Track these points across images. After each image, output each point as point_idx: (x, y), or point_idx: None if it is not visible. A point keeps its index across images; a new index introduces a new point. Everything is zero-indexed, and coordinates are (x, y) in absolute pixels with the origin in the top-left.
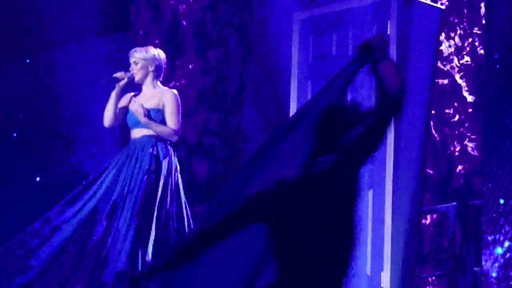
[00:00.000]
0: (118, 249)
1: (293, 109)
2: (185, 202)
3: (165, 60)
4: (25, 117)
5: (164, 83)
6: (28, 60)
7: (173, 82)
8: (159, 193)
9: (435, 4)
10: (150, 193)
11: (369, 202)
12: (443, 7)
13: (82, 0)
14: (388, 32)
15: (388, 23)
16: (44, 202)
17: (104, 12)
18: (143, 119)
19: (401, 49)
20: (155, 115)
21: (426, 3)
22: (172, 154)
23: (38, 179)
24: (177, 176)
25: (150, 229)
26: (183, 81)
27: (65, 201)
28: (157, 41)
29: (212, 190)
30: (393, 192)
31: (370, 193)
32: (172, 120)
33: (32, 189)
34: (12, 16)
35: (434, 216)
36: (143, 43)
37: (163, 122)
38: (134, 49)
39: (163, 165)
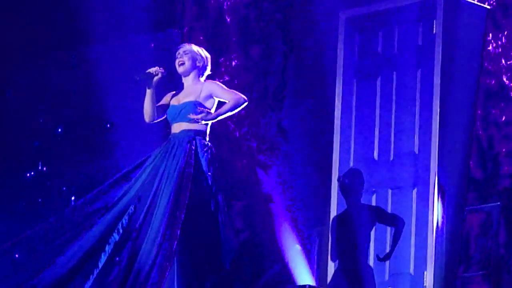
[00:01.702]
0: (149, 245)
1: (338, 107)
2: (222, 197)
3: (210, 65)
4: (70, 112)
5: (208, 79)
6: (73, 55)
7: (217, 79)
8: (195, 188)
9: (481, 4)
10: (184, 189)
11: (413, 201)
12: (489, 7)
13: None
14: (434, 31)
15: (434, 22)
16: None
17: (150, 8)
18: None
19: (447, 49)
20: (193, 108)
21: (472, 3)
22: (211, 148)
23: (82, 174)
24: (216, 171)
25: (179, 226)
26: (227, 78)
27: (99, 190)
28: (201, 38)
29: (251, 186)
30: (437, 191)
31: (414, 191)
32: (228, 94)
33: (76, 183)
34: (58, 13)
35: (479, 216)
36: (188, 40)
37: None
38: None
39: (201, 160)
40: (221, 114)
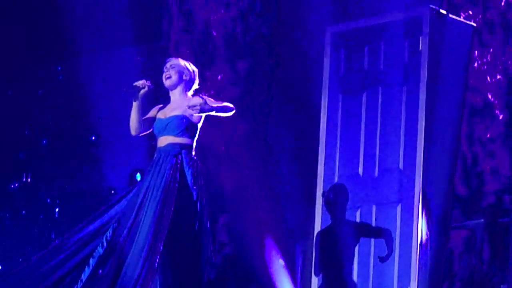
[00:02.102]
0: (134, 259)
1: (323, 122)
2: (207, 212)
3: (198, 79)
4: (56, 124)
5: (193, 93)
6: (59, 68)
7: (202, 92)
8: (180, 203)
9: (467, 22)
10: (169, 203)
11: (398, 217)
12: (475, 24)
13: (114, 9)
14: (420, 48)
15: (420, 39)
16: (74, 209)
17: (136, 21)
18: (207, 108)
19: (432, 65)
20: (179, 122)
21: (458, 20)
22: (197, 162)
23: (67, 186)
24: (201, 185)
25: (162, 240)
26: (212, 92)
27: (92, 217)
28: (188, 51)
29: (238, 200)
30: (421, 208)
31: (399, 207)
32: (216, 103)
33: (60, 195)
34: (44, 25)
35: (464, 232)
36: (175, 53)
37: (189, 129)
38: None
39: (187, 174)
40: (215, 109)
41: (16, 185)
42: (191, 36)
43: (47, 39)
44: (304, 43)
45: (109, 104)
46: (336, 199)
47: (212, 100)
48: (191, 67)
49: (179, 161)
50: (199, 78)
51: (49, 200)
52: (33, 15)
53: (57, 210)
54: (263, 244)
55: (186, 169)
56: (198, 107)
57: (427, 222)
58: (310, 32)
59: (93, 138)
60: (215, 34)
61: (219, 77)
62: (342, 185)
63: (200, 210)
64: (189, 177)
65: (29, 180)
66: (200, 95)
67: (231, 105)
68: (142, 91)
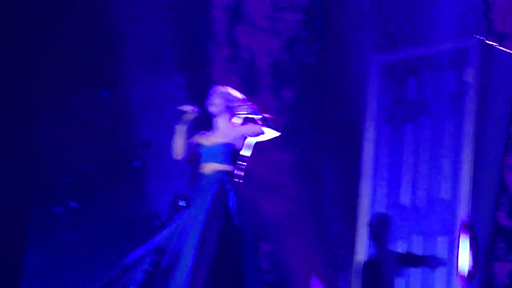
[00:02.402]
0: (176, 286)
1: (368, 151)
2: (250, 239)
3: (244, 105)
4: (101, 148)
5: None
6: (105, 93)
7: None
8: (223, 230)
9: None
10: (212, 231)
11: (443, 247)
12: None
13: (162, 36)
14: (467, 79)
15: (467, 70)
16: (118, 235)
17: (183, 48)
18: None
19: (479, 96)
20: (224, 150)
21: (505, 51)
22: (240, 190)
23: (110, 211)
24: (245, 213)
25: (207, 267)
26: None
27: (134, 244)
28: (234, 79)
29: (281, 229)
30: (466, 239)
31: (444, 238)
32: (264, 131)
33: (105, 221)
34: (92, 49)
35: (508, 265)
36: (221, 80)
37: (234, 157)
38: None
39: (230, 202)
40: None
41: (60, 209)
42: (237, 64)
43: (93, 64)
44: (350, 72)
45: (154, 130)
46: (381, 230)
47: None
48: (236, 93)
49: (223, 188)
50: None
51: (92, 225)
52: (77, 40)
53: (100, 235)
54: (305, 274)
55: (230, 196)
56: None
57: (472, 253)
58: (356, 62)
59: (137, 163)
60: (261, 62)
61: (264, 105)
62: (385, 216)
63: (244, 238)
64: (233, 205)
65: (72, 204)
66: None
67: (276, 130)
68: (188, 116)
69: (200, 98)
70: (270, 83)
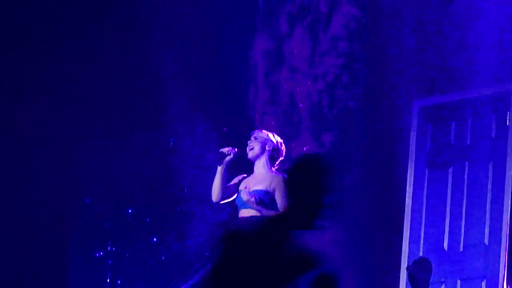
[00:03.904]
0: None
1: (409, 196)
2: None
3: (284, 151)
4: (141, 194)
5: (279, 165)
6: (146, 139)
7: (288, 164)
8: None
9: None
10: None
11: None
12: None
13: (203, 81)
14: (508, 124)
15: (508, 114)
16: (158, 279)
17: (223, 91)
18: (254, 207)
19: None
20: (263, 198)
21: None
22: None
23: (150, 256)
24: None
25: None
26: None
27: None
28: (273, 122)
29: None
30: (506, 284)
31: (484, 283)
32: (282, 203)
33: (144, 265)
34: (131, 95)
35: None
36: (260, 124)
37: (270, 204)
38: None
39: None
40: (261, 213)
41: (101, 253)
42: (277, 108)
43: (133, 109)
44: (391, 116)
45: (193, 174)
46: (420, 273)
47: (285, 190)
48: (276, 138)
49: None
50: (285, 149)
51: (132, 269)
52: (121, 86)
53: (139, 280)
54: None
55: None
56: (250, 203)
57: None
58: (398, 106)
59: (178, 208)
60: (301, 106)
61: (304, 148)
62: (426, 259)
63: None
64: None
65: (113, 249)
66: (284, 175)
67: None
68: (227, 158)
69: (241, 142)
70: (310, 127)
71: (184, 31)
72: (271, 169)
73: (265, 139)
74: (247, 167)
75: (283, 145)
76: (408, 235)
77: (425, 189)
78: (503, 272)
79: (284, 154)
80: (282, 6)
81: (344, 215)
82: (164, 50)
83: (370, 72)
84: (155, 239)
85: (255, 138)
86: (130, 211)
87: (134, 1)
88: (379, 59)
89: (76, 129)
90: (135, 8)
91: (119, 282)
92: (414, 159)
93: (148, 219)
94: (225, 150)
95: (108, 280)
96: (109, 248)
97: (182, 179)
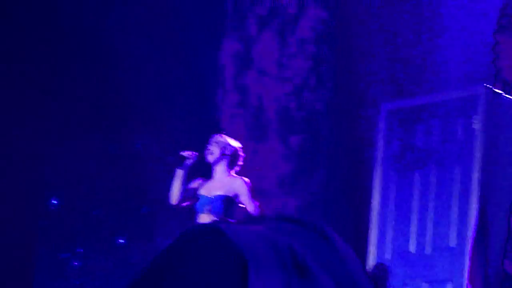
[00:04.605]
0: None
1: (376, 200)
2: None
3: (241, 155)
4: (108, 195)
5: (246, 166)
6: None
7: (255, 166)
8: None
9: None
10: None
11: None
12: None
13: (169, 83)
14: (475, 127)
15: (475, 118)
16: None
17: (191, 93)
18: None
19: (487, 144)
20: (222, 203)
21: None
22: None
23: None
24: None
25: None
26: (265, 166)
27: None
28: (242, 125)
29: None
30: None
31: (450, 286)
32: (252, 208)
33: (117, 267)
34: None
35: None
36: (229, 126)
37: (230, 209)
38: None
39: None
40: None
41: (68, 255)
42: (245, 110)
43: (101, 109)
44: (359, 119)
45: (160, 176)
46: (384, 277)
47: (250, 194)
48: (235, 144)
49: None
50: (252, 152)
51: (99, 271)
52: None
53: (108, 282)
54: None
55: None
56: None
57: None
58: (365, 109)
59: (144, 210)
60: (268, 109)
61: (271, 151)
62: (391, 263)
63: None
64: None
65: (81, 250)
66: (243, 178)
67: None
68: (188, 161)
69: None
70: (278, 130)
71: (151, 33)
72: (230, 173)
73: (225, 143)
74: (207, 173)
75: (241, 151)
76: (375, 238)
77: (392, 192)
78: (468, 275)
79: (242, 160)
80: (251, 8)
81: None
82: (132, 51)
83: (338, 75)
84: (122, 241)
85: (215, 142)
86: (97, 212)
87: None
88: (347, 62)
89: (44, 129)
90: (100, 11)
91: (85, 283)
92: (381, 162)
93: (115, 221)
94: (186, 153)
95: (76, 282)
96: (76, 250)
97: (149, 180)
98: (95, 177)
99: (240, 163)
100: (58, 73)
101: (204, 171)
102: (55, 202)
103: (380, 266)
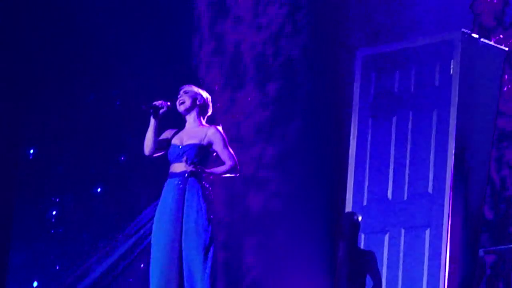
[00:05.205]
0: None
1: (353, 146)
2: (214, 246)
3: (211, 104)
4: (83, 143)
5: (223, 115)
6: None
7: (232, 114)
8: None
9: (499, 46)
10: (177, 232)
11: (426, 241)
12: (507, 49)
13: (145, 31)
14: (451, 72)
15: (451, 63)
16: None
17: (167, 41)
18: (201, 173)
19: (463, 89)
20: (196, 151)
21: (490, 44)
22: (208, 189)
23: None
24: (212, 213)
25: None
26: (242, 114)
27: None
28: (218, 73)
29: (266, 223)
30: (449, 232)
31: (428, 232)
32: (226, 155)
33: (94, 215)
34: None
35: (491, 257)
36: (205, 74)
37: (204, 158)
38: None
39: (196, 202)
40: (213, 174)
41: (46, 204)
42: (222, 58)
43: (77, 66)
44: (335, 66)
45: (133, 126)
46: (360, 223)
47: (225, 142)
48: (205, 94)
49: (191, 189)
50: (229, 100)
51: (76, 219)
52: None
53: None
54: (291, 266)
55: (195, 196)
56: (190, 170)
57: (456, 247)
58: (341, 55)
59: (122, 158)
60: (245, 56)
61: (249, 99)
62: (367, 209)
63: (210, 241)
64: (202, 204)
65: (57, 200)
66: (216, 126)
67: (235, 169)
68: (161, 111)
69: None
70: (255, 77)
71: None
72: (201, 122)
73: (195, 93)
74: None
75: (210, 102)
76: (352, 185)
77: (368, 138)
78: (446, 221)
79: (211, 110)
80: None
81: (288, 166)
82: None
83: (314, 21)
84: (99, 189)
85: (185, 92)
86: (73, 161)
87: None
88: (323, 8)
89: (22, 78)
90: None
91: (63, 232)
92: (357, 108)
93: (92, 170)
94: (158, 103)
95: (52, 231)
96: (53, 199)
97: (126, 130)
98: (73, 127)
99: (209, 113)
100: (41, 25)
101: (176, 122)
102: (32, 150)
103: (358, 212)
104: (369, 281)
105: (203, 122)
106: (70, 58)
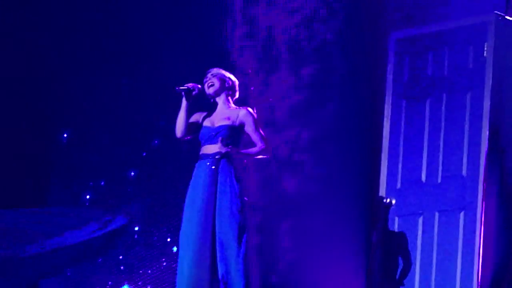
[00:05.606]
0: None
1: (386, 129)
2: (246, 226)
3: (238, 88)
4: (119, 129)
5: (258, 98)
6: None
7: (266, 97)
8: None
9: None
10: (209, 213)
11: (460, 224)
12: None
13: (177, 18)
14: (485, 54)
15: (485, 45)
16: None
17: (200, 26)
18: (233, 153)
19: (497, 71)
20: (229, 133)
21: None
22: (234, 170)
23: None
24: (235, 192)
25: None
26: (276, 97)
27: None
28: (252, 56)
29: (300, 206)
30: (484, 215)
31: (462, 214)
32: (257, 137)
33: (130, 199)
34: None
35: None
36: (238, 58)
37: (236, 139)
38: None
39: (234, 182)
40: (243, 155)
41: (81, 187)
42: (255, 42)
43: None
44: (369, 49)
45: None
46: (395, 206)
47: (256, 124)
48: (233, 77)
49: (223, 170)
50: (263, 84)
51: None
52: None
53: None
54: (325, 249)
55: (228, 178)
56: (224, 149)
57: (490, 230)
58: (375, 38)
59: (156, 142)
60: (278, 40)
61: (283, 82)
62: (401, 192)
63: (244, 223)
64: (231, 185)
65: (91, 184)
66: (247, 108)
67: (267, 151)
68: (193, 93)
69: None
70: (289, 61)
71: None
72: (230, 105)
73: (223, 75)
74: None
75: (237, 85)
76: (386, 167)
77: (402, 121)
78: (481, 203)
79: (238, 94)
80: None
81: (322, 149)
82: None
83: (347, 5)
84: (132, 173)
85: (213, 75)
86: (107, 145)
87: None
88: None
89: (56, 64)
90: None
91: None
92: (391, 91)
93: (125, 154)
94: (190, 85)
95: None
96: (87, 182)
97: (158, 113)
98: (106, 111)
99: (236, 96)
100: (75, 8)
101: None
102: (66, 135)
103: (393, 195)
104: (401, 264)
105: (231, 104)
106: (104, 43)
